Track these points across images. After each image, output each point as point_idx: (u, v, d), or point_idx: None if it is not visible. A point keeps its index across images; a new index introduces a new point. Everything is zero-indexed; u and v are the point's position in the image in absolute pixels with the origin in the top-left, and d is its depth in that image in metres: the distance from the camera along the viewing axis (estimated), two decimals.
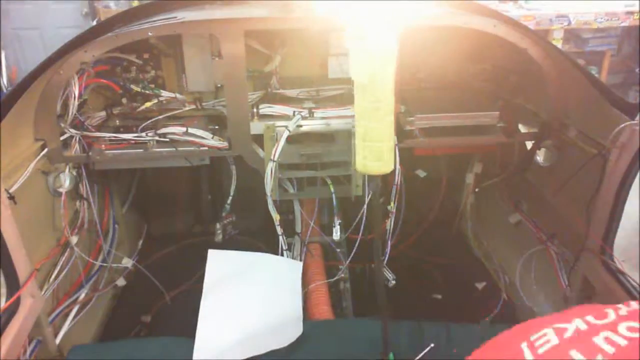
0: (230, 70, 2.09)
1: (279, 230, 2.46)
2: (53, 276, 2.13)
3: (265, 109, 2.31)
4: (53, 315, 2.12)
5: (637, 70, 5.60)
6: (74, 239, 2.23)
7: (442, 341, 1.91)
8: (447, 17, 2.12)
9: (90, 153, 2.18)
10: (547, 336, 0.85)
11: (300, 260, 2.55)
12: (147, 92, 2.34)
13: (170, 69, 2.43)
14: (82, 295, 2.35)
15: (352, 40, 1.27)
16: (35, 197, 2.07)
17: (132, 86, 2.32)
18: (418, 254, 3.02)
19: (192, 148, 2.26)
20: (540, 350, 0.83)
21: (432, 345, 1.82)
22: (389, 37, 1.27)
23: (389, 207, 2.44)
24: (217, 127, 2.34)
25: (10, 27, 5.69)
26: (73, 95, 2.07)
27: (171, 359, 1.97)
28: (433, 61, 2.62)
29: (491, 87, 2.57)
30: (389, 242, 2.47)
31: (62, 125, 2.11)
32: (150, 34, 2.02)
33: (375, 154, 1.36)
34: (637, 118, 1.75)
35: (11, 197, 1.81)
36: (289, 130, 2.24)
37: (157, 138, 2.22)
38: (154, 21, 2.05)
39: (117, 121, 2.37)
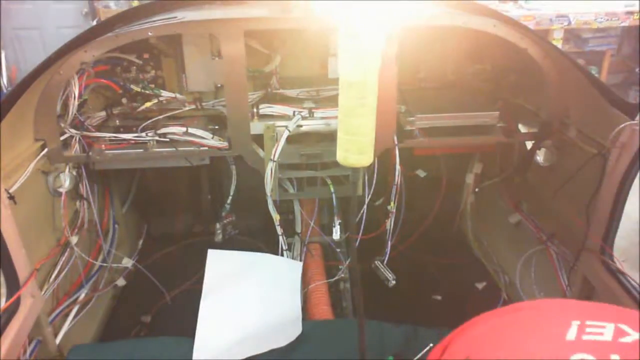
0: (230, 70, 2.09)
1: (279, 230, 2.46)
2: (53, 276, 2.13)
3: (265, 109, 2.31)
4: (53, 315, 2.12)
5: (637, 70, 5.61)
6: (74, 239, 2.23)
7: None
8: (447, 17, 2.12)
9: (90, 153, 2.18)
10: (605, 329, 0.79)
11: (300, 260, 2.55)
12: (147, 92, 2.34)
13: (170, 69, 2.43)
14: (82, 295, 2.35)
15: (342, 39, 1.30)
16: (35, 197, 2.07)
17: (132, 86, 2.32)
18: (418, 254, 3.02)
19: (192, 148, 2.26)
20: (586, 337, 0.79)
21: (431, 345, 1.82)
22: (377, 36, 1.29)
23: (389, 207, 2.44)
24: (217, 127, 2.34)
25: (10, 27, 5.69)
26: (73, 95, 2.07)
27: (171, 359, 1.97)
28: (433, 61, 2.62)
29: (491, 87, 2.57)
30: (389, 242, 2.47)
31: (62, 125, 2.11)
32: (150, 34, 2.02)
33: (358, 147, 1.41)
34: (637, 118, 1.75)
35: (11, 197, 1.81)
36: (289, 130, 2.24)
37: (157, 138, 2.22)
38: (154, 21, 2.05)
39: (117, 121, 2.37)
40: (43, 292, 2.02)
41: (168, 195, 3.26)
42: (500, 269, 2.85)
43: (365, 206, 2.33)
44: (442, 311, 2.69)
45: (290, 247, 2.61)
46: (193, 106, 2.40)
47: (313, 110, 2.31)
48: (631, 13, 5.17)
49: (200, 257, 2.31)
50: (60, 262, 2.17)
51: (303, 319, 2.10)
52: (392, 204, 2.40)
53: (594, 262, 1.99)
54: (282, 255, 2.49)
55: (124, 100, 2.35)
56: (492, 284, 2.85)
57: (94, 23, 5.32)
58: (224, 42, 2.04)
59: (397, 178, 2.32)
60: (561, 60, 2.09)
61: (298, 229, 2.68)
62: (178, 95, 2.38)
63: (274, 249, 2.52)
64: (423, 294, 2.82)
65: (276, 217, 2.43)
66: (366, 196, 2.34)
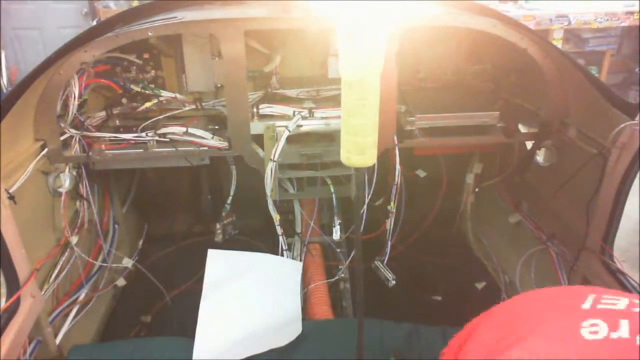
0: (230, 70, 2.09)
1: (279, 230, 2.46)
2: (53, 276, 2.13)
3: (265, 109, 2.31)
4: (53, 315, 2.12)
5: (637, 70, 5.61)
6: (74, 239, 2.23)
7: (437, 345, 1.91)
8: (447, 17, 2.12)
9: (90, 153, 2.18)
10: (619, 301, 0.82)
11: (300, 260, 2.55)
12: (147, 92, 2.34)
13: (170, 69, 2.43)
14: (82, 295, 2.35)
15: (342, 39, 1.31)
16: (35, 197, 2.07)
17: (132, 86, 2.32)
18: (418, 254, 3.02)
19: (192, 148, 2.26)
20: (600, 307, 0.81)
21: None
22: (377, 37, 1.30)
23: (389, 207, 2.44)
24: (217, 127, 2.34)
25: (10, 27, 5.69)
26: (73, 95, 2.07)
27: (171, 359, 1.97)
28: (433, 61, 2.62)
29: (491, 87, 2.57)
30: (389, 242, 2.47)
31: (62, 125, 2.11)
32: (150, 34, 2.01)
33: (360, 148, 1.41)
34: (637, 118, 1.75)
35: (11, 197, 1.81)
36: (289, 130, 2.24)
37: (157, 138, 2.22)
38: (154, 21, 2.05)
39: (117, 121, 2.37)
40: (43, 292, 2.02)
41: (168, 195, 3.26)
42: (500, 269, 2.85)
43: (365, 206, 2.33)
44: (442, 311, 2.69)
45: (290, 247, 2.61)
46: (193, 106, 2.40)
47: (313, 110, 2.31)
48: (631, 13, 5.17)
49: (200, 257, 2.31)
50: (60, 262, 2.17)
51: (303, 319, 2.10)
52: (392, 204, 2.40)
53: (594, 262, 1.99)
54: (282, 255, 2.49)
55: (124, 100, 2.35)
56: (492, 284, 2.85)
57: (94, 23, 5.33)
58: (224, 42, 2.04)
59: (397, 178, 2.32)
60: (561, 60, 2.09)
61: (298, 229, 2.68)
62: (178, 95, 2.38)
63: (274, 249, 2.52)
64: (423, 294, 2.82)
65: (276, 217, 2.43)
66: (366, 196, 2.34)
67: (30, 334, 1.89)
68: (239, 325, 2.09)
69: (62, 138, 2.13)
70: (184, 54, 2.31)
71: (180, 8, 2.28)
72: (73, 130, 2.15)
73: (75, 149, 2.17)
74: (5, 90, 5.37)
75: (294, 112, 2.30)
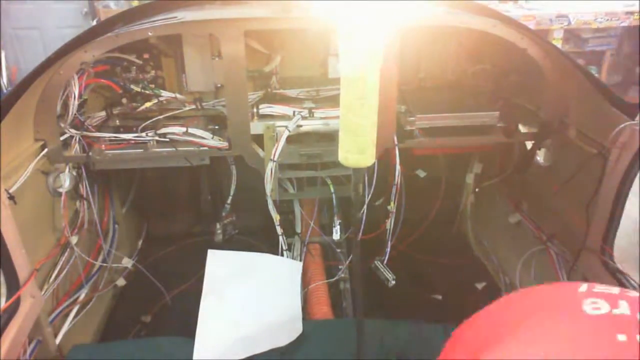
0: (230, 70, 2.09)
1: (279, 230, 2.46)
2: (53, 276, 2.13)
3: (265, 109, 2.31)
4: (53, 315, 2.12)
5: (637, 70, 5.60)
6: (74, 239, 2.23)
7: (438, 344, 1.91)
8: (447, 17, 2.12)
9: (90, 153, 2.18)
10: (612, 289, 0.83)
11: (300, 260, 2.55)
12: (147, 92, 2.34)
13: (170, 69, 2.43)
14: (82, 295, 2.35)
15: (342, 39, 1.31)
16: (35, 197, 2.07)
17: (132, 86, 2.32)
18: (418, 254, 3.02)
19: (192, 148, 2.26)
20: (596, 290, 0.83)
21: None
22: (376, 36, 1.30)
23: (389, 207, 2.44)
24: (217, 127, 2.34)
25: (10, 27, 5.69)
26: (73, 95, 2.07)
27: (171, 359, 1.97)
28: (433, 61, 2.62)
29: (491, 87, 2.57)
30: (389, 242, 2.47)
31: (62, 125, 2.11)
32: (150, 34, 2.01)
33: (359, 147, 1.41)
34: (637, 118, 1.75)
35: (11, 197, 1.81)
36: (289, 130, 2.24)
37: (157, 138, 2.22)
38: (154, 21, 2.05)
39: (117, 121, 2.37)
40: (43, 292, 2.02)
41: (168, 195, 3.26)
42: (500, 269, 2.85)
43: (365, 206, 2.33)
44: (442, 311, 2.69)
45: (290, 247, 2.61)
46: (193, 106, 2.40)
47: (313, 110, 2.31)
48: (631, 13, 5.17)
49: (200, 257, 2.31)
50: (60, 262, 2.17)
51: (303, 319, 2.10)
52: (392, 204, 2.40)
53: (594, 262, 1.99)
54: (282, 255, 2.49)
55: (124, 100, 2.35)
56: (492, 284, 2.85)
57: (94, 23, 5.33)
58: (224, 42, 2.04)
59: (397, 178, 2.32)
60: (561, 60, 2.09)
61: (298, 229, 2.68)
62: (178, 95, 2.38)
63: (274, 249, 2.52)
64: (423, 294, 2.82)
65: (276, 217, 2.43)
66: (366, 196, 2.34)
67: (30, 334, 1.89)
68: (239, 325, 2.09)
69: (62, 138, 2.13)
70: (184, 54, 2.31)
71: (180, 8, 2.28)
72: (73, 130, 2.15)
73: (75, 149, 2.17)
74: (5, 90, 5.37)
75: (294, 112, 2.30)
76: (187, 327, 2.06)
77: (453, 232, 3.29)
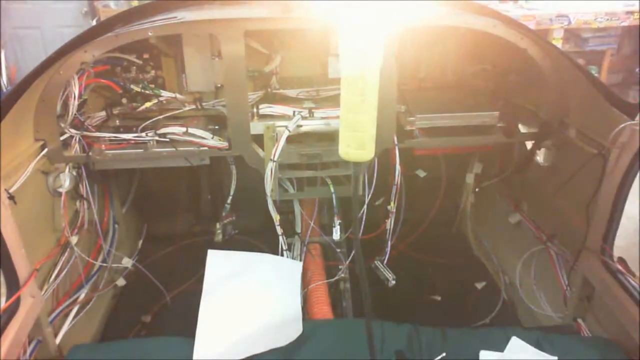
0: (230, 70, 2.09)
1: (279, 230, 2.46)
2: (53, 276, 2.13)
3: (265, 109, 2.31)
4: (53, 315, 2.12)
5: (637, 70, 5.61)
6: (74, 239, 2.23)
7: (437, 345, 1.91)
8: (447, 17, 2.12)
9: (90, 153, 2.18)
10: None
11: (300, 260, 2.55)
12: (147, 92, 2.34)
13: (170, 69, 2.43)
14: (82, 295, 2.35)
15: (342, 38, 1.32)
16: (35, 197, 2.07)
17: (132, 86, 2.32)
18: (418, 254, 3.02)
19: (192, 148, 2.26)
20: None
21: (444, 354, 1.83)
22: (376, 36, 1.31)
23: (389, 207, 2.44)
24: (217, 127, 2.34)
25: (10, 26, 5.69)
26: (73, 95, 2.07)
27: (171, 359, 1.97)
28: (433, 61, 2.62)
29: (491, 87, 2.57)
30: (389, 242, 2.47)
31: (62, 125, 2.11)
32: (150, 34, 2.01)
33: (359, 143, 1.44)
34: (637, 118, 1.75)
35: (11, 197, 1.81)
36: (289, 130, 2.24)
37: (157, 138, 2.22)
38: (154, 21, 2.05)
39: (117, 121, 2.37)
40: (43, 292, 2.02)
41: (168, 195, 3.26)
42: (500, 269, 2.85)
43: (365, 206, 2.33)
44: (442, 311, 2.69)
45: (290, 247, 2.61)
46: (193, 106, 2.40)
47: (313, 110, 2.31)
48: (631, 13, 5.17)
49: (200, 257, 2.31)
50: (60, 262, 2.17)
51: (303, 319, 2.10)
52: (392, 204, 2.40)
53: (594, 262, 1.99)
54: (282, 255, 2.49)
55: (124, 100, 2.35)
56: (492, 284, 2.85)
57: (94, 23, 5.33)
58: (224, 42, 2.04)
59: (397, 178, 2.32)
60: (561, 60, 2.09)
61: (298, 229, 2.68)
62: (178, 95, 2.38)
63: (274, 249, 2.52)
64: (423, 294, 2.82)
65: (276, 217, 2.43)
66: (366, 196, 2.34)
67: (30, 334, 1.89)
68: (240, 325, 2.09)
69: (62, 138, 2.13)
70: (184, 54, 2.31)
71: (180, 8, 2.28)
72: (73, 130, 2.15)
73: (75, 149, 2.17)
74: (5, 90, 5.37)
75: (294, 112, 2.30)
76: (187, 327, 2.06)
77: (453, 232, 3.29)
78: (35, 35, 5.78)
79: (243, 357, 1.91)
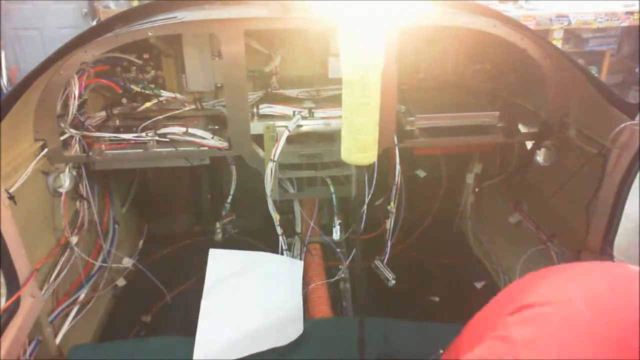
0: (230, 70, 2.09)
1: (279, 230, 2.46)
2: (53, 276, 2.12)
3: (265, 109, 2.31)
4: (53, 315, 2.12)
5: (637, 70, 5.61)
6: (74, 239, 2.23)
7: (438, 342, 1.91)
8: (447, 17, 2.12)
9: (90, 153, 2.18)
10: None
11: (300, 260, 2.55)
12: (147, 92, 2.34)
13: (170, 69, 2.43)
14: (82, 295, 2.35)
15: (343, 39, 1.32)
16: (35, 197, 2.07)
17: (132, 86, 2.32)
18: (418, 254, 3.02)
19: (192, 148, 2.26)
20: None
21: (441, 351, 1.82)
22: (377, 37, 1.31)
23: (389, 207, 2.44)
24: (217, 127, 2.34)
25: (10, 27, 5.69)
26: (73, 95, 2.07)
27: (171, 359, 1.97)
28: (433, 61, 2.62)
29: (491, 87, 2.57)
30: (389, 242, 2.47)
31: (62, 125, 2.11)
32: (150, 34, 2.01)
33: (361, 146, 1.43)
34: (637, 118, 1.75)
35: (11, 197, 1.81)
36: (289, 130, 2.24)
37: (157, 138, 2.22)
38: (154, 21, 2.05)
39: (117, 121, 2.37)
40: (43, 292, 2.02)
41: (168, 195, 3.26)
42: (500, 268, 2.85)
43: (365, 206, 2.33)
44: (442, 311, 2.69)
45: (290, 247, 2.61)
46: (193, 106, 2.40)
47: (313, 110, 2.31)
48: (631, 13, 5.17)
49: (200, 257, 2.31)
50: (60, 262, 2.17)
51: (303, 318, 2.10)
52: (392, 204, 2.40)
53: None
54: (282, 255, 2.49)
55: (124, 100, 2.35)
56: (492, 283, 2.85)
57: (94, 23, 5.32)
58: (224, 42, 2.04)
59: (397, 178, 2.32)
60: (561, 60, 2.09)
61: (298, 229, 2.68)
62: (178, 95, 2.38)
63: (273, 249, 2.52)
64: (423, 294, 2.82)
65: (276, 217, 2.43)
66: (366, 196, 2.34)
67: (30, 334, 1.89)
68: (240, 324, 2.09)
69: (62, 138, 2.13)
70: (184, 54, 2.31)
71: (180, 8, 2.27)
72: (73, 130, 2.15)
73: (75, 149, 2.17)
74: (5, 90, 5.37)
75: (294, 112, 2.30)
76: (187, 327, 2.06)
77: (453, 232, 3.29)
78: (36, 36, 5.77)
79: (243, 355, 1.91)
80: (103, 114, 2.34)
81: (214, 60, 2.29)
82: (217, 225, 2.92)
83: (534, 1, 5.40)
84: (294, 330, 2.00)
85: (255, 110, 2.29)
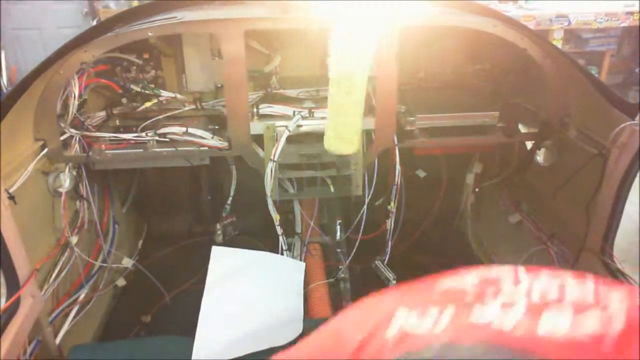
0: (230, 70, 2.09)
1: (279, 230, 2.46)
2: (53, 276, 2.12)
3: (265, 109, 2.31)
4: (53, 315, 2.11)
5: (637, 70, 5.61)
6: (74, 239, 2.23)
7: None
8: (447, 17, 2.12)
9: (90, 153, 2.18)
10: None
11: (301, 260, 2.55)
12: (147, 92, 2.34)
13: (170, 69, 2.43)
14: (82, 295, 2.34)
15: (335, 37, 1.32)
16: (35, 197, 2.07)
17: (132, 86, 2.32)
18: (418, 254, 3.02)
19: (192, 148, 2.26)
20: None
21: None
22: (367, 34, 1.31)
23: (389, 207, 2.44)
24: (217, 127, 2.34)
25: (10, 27, 5.69)
26: (73, 95, 2.07)
27: (171, 359, 1.97)
28: (433, 61, 2.62)
29: (491, 87, 2.57)
30: (389, 242, 2.47)
31: (62, 125, 2.11)
32: (150, 34, 2.02)
33: (343, 135, 1.43)
34: (637, 118, 1.75)
35: (11, 197, 1.81)
36: (289, 130, 2.24)
37: (157, 138, 2.22)
38: (154, 21, 2.05)
39: (117, 121, 2.37)
40: (43, 292, 2.02)
41: (168, 195, 3.26)
42: None
43: (365, 206, 2.33)
44: None
45: (290, 247, 2.61)
46: (193, 106, 2.40)
47: (313, 110, 2.31)
48: (631, 13, 5.17)
49: (200, 257, 2.31)
50: (60, 262, 2.17)
51: (303, 318, 2.10)
52: (392, 204, 2.40)
53: (594, 262, 1.99)
54: (282, 255, 2.49)
55: (124, 100, 2.35)
56: None
57: (94, 23, 5.33)
58: (224, 42, 2.04)
59: (397, 178, 2.32)
60: (561, 60, 2.09)
61: (298, 229, 2.68)
62: (178, 95, 2.38)
63: (274, 249, 2.52)
64: None
65: (276, 217, 2.43)
66: (366, 196, 2.34)
67: (30, 334, 1.89)
68: (241, 323, 2.09)
69: (62, 138, 2.13)
70: (184, 54, 2.31)
71: (180, 8, 2.28)
72: (73, 130, 2.15)
73: (75, 149, 2.17)
74: (5, 90, 5.37)
75: (294, 112, 2.30)
76: (186, 327, 2.06)
77: (453, 232, 3.29)
78: (36, 36, 5.78)
79: (242, 354, 1.91)
80: (103, 113, 2.34)
81: (214, 60, 2.29)
82: (218, 226, 2.91)
83: (534, 1, 5.40)
84: (294, 330, 2.00)
85: (255, 110, 2.29)
